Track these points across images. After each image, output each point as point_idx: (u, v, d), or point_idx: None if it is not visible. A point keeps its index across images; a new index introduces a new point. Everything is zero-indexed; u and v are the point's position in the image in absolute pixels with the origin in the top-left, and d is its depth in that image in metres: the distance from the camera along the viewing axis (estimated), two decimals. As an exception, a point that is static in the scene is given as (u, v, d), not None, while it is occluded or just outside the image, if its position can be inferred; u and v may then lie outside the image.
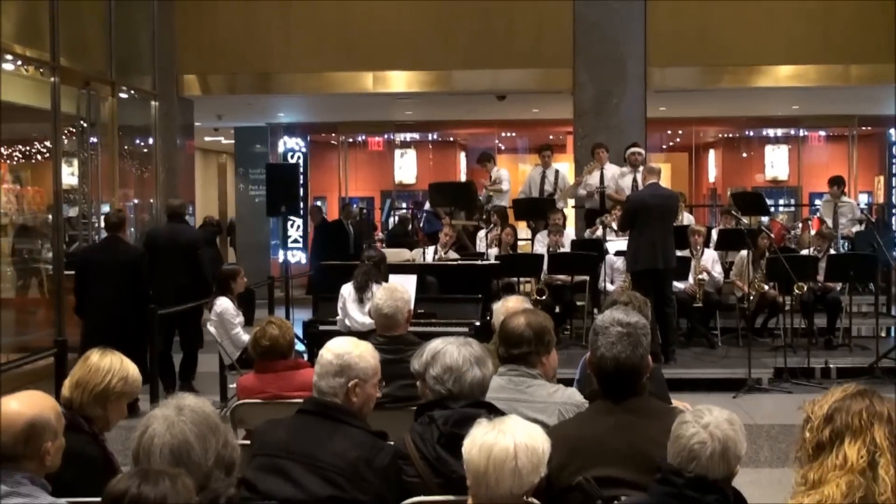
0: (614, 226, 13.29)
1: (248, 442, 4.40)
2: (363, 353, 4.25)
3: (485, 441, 3.35)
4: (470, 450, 3.37)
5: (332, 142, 24.88)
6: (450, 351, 4.21)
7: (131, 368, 4.48)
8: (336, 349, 4.25)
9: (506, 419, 3.49)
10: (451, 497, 3.83)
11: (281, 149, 23.39)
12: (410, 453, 3.99)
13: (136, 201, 16.13)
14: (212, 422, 3.27)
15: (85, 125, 14.28)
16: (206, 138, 25.59)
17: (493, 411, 4.06)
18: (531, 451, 3.34)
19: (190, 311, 11.11)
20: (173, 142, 16.70)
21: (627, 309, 4.34)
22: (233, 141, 24.50)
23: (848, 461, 2.93)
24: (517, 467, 3.30)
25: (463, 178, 23.89)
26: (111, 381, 4.35)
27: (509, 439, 3.33)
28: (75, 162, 14.17)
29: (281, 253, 21.10)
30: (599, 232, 13.44)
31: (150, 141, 16.32)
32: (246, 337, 9.79)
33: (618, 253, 12.84)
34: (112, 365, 4.41)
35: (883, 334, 13.66)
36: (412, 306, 6.34)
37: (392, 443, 4.11)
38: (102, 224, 12.31)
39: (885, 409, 3.00)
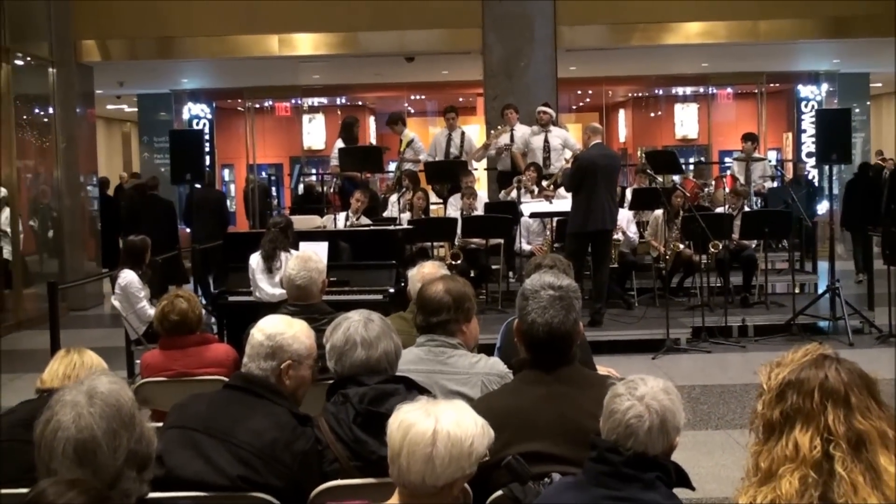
0: (531, 186, 13.16)
1: (159, 424, 4.11)
2: (297, 334, 3.95)
3: (405, 419, 3.00)
4: (392, 423, 3.03)
5: (239, 108, 24.47)
6: (353, 327, 3.93)
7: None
8: (267, 329, 3.94)
9: (440, 402, 3.14)
10: (371, 480, 3.56)
11: (186, 116, 22.99)
12: (325, 436, 3.71)
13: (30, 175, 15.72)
14: (125, 414, 2.89)
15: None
16: (109, 106, 25.13)
17: (412, 386, 3.83)
18: (454, 442, 2.95)
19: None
20: (73, 110, 16.27)
21: (556, 272, 4.09)
22: (136, 109, 23.99)
23: (800, 452, 2.63)
24: (432, 455, 2.92)
25: (373, 142, 23.67)
26: None
27: (431, 422, 2.96)
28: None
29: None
30: (514, 193, 13.24)
31: (50, 110, 15.84)
32: (152, 311, 9.47)
33: (532, 215, 12.68)
34: (92, 360, 4.36)
35: (798, 290, 13.66)
36: (325, 275, 6.06)
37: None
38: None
39: (842, 387, 2.67)
